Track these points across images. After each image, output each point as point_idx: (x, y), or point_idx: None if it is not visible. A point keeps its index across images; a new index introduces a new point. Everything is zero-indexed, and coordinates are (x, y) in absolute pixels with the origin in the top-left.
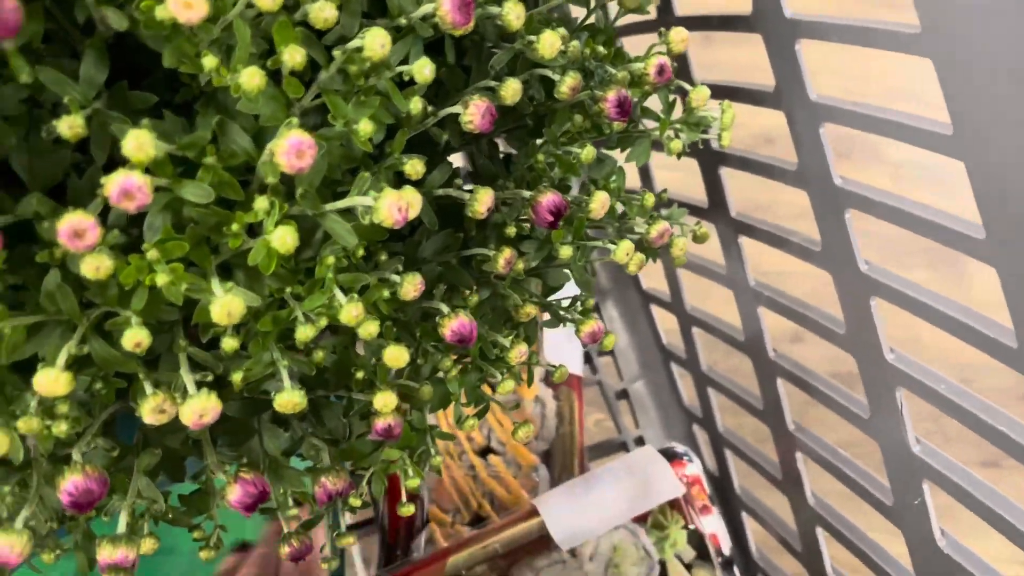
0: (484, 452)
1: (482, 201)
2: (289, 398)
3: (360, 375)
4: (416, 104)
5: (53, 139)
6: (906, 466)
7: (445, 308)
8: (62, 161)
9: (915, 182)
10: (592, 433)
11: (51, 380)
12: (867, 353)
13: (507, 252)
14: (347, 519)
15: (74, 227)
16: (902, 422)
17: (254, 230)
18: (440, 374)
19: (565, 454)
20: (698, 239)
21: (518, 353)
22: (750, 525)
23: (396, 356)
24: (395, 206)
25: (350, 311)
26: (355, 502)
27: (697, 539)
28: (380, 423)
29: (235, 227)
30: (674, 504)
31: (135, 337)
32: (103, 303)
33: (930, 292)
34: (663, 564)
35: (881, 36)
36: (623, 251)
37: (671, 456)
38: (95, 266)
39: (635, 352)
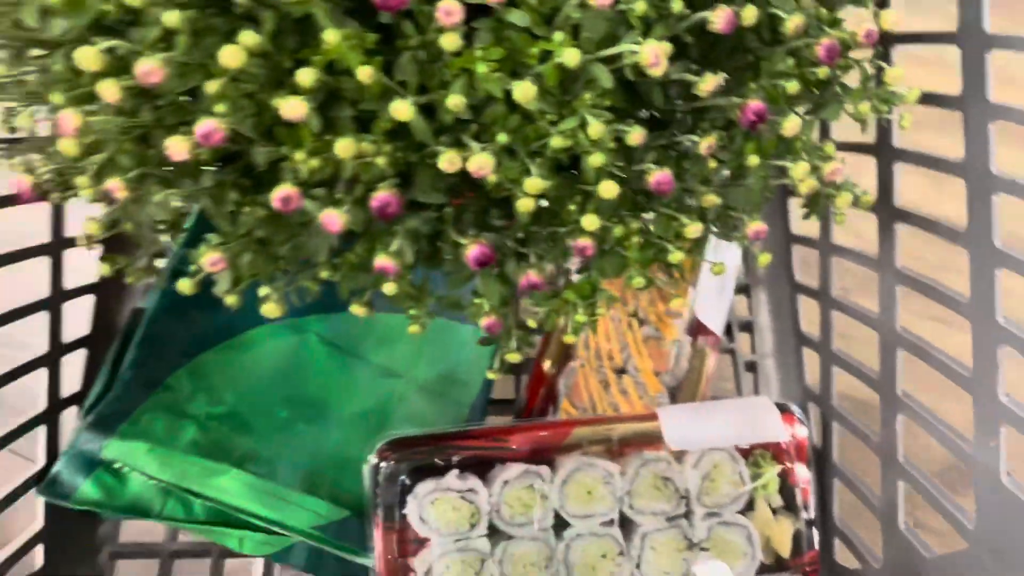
0: (619, 372)
1: (709, 81)
2: (535, 182)
3: (573, 207)
4: (678, 2)
5: None
6: (990, 412)
7: (653, 166)
8: None
9: None
10: (714, 391)
11: (402, 108)
12: (982, 317)
13: (711, 138)
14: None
15: (447, 8)
16: (997, 375)
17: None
18: (621, 247)
19: (687, 396)
20: (862, 204)
21: (694, 229)
22: (836, 496)
23: (609, 188)
24: (654, 51)
25: (597, 128)
26: (532, 323)
27: (788, 491)
28: (581, 241)
29: (534, 50)
30: (775, 452)
31: (456, 100)
32: (431, 86)
33: None
34: (752, 498)
35: None
36: (801, 169)
37: (784, 409)
38: (452, 40)
39: (772, 333)
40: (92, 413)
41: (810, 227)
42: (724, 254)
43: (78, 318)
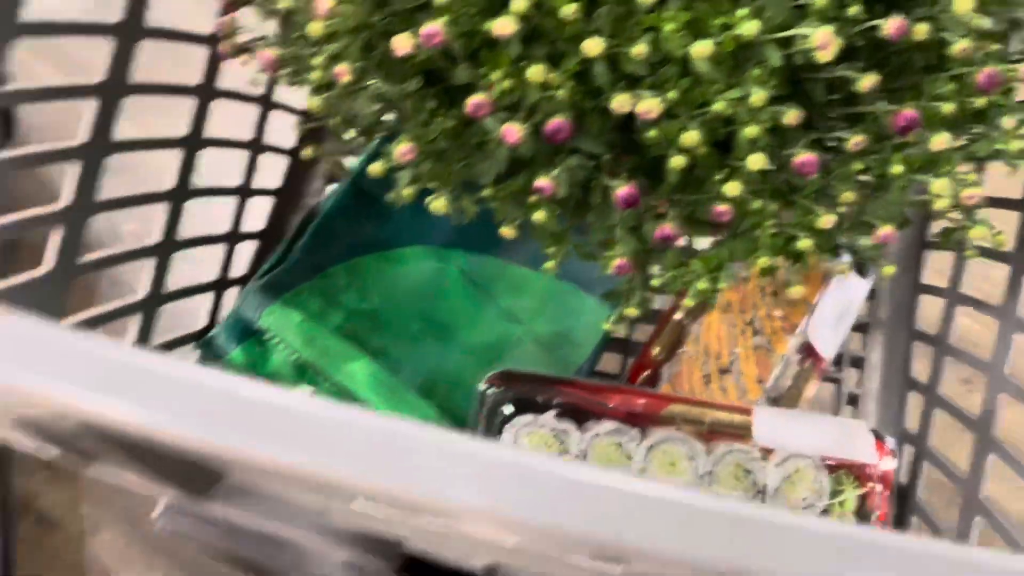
0: (723, 371)
1: (868, 79)
2: (691, 135)
3: (719, 176)
4: (855, 6)
5: None
6: None
7: (802, 150)
8: None
9: None
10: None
11: (593, 44)
12: None
13: (859, 136)
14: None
15: None
16: None
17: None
18: (756, 232)
19: None
20: (995, 243)
21: (827, 220)
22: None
23: (757, 159)
24: (825, 36)
25: (760, 95)
26: (655, 282)
27: (864, 515)
28: (721, 207)
29: (718, 21)
30: (859, 475)
31: (640, 48)
32: (620, 39)
33: None
34: (827, 512)
35: None
36: (939, 186)
37: (878, 437)
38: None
39: (881, 372)
40: (264, 278)
41: (939, 279)
42: (852, 291)
43: (256, 216)
